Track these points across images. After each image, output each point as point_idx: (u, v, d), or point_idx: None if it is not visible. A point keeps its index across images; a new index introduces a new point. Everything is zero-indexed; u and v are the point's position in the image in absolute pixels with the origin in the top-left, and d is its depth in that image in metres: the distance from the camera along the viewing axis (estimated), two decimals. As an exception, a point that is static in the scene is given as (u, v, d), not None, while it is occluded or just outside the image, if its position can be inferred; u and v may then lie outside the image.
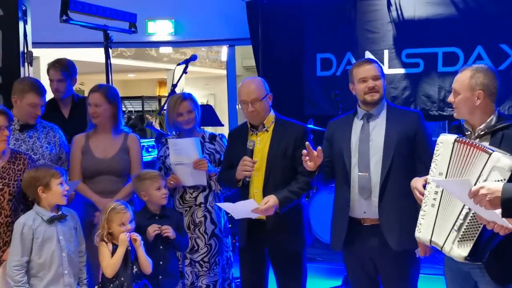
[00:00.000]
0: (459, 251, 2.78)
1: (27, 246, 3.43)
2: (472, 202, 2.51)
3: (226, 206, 3.77)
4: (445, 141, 2.91)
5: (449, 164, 2.86)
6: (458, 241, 2.78)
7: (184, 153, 4.05)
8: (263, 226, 3.75)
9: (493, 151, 2.65)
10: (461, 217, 2.77)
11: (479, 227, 2.73)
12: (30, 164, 3.68)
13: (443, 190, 2.89)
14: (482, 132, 2.95)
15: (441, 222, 2.89)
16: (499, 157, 2.62)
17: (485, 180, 2.62)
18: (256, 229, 3.77)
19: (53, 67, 4.77)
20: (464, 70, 3.04)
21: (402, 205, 3.34)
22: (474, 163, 2.72)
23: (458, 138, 2.85)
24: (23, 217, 3.49)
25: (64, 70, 4.75)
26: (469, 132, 3.02)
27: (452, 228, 2.80)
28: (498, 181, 2.57)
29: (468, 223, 2.75)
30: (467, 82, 2.98)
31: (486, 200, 2.45)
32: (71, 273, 3.54)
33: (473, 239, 2.75)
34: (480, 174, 2.67)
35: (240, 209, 3.68)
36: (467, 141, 2.81)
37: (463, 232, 2.76)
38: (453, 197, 2.82)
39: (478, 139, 2.93)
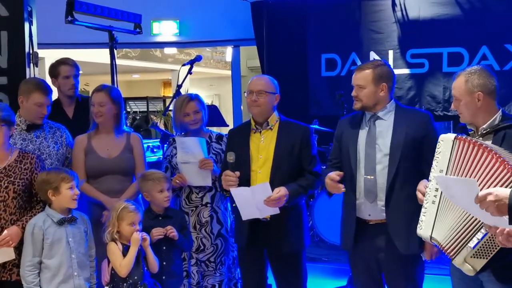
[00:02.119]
0: (471, 267, 2.78)
1: (38, 246, 3.47)
2: (473, 204, 2.49)
3: (240, 191, 3.65)
4: (446, 139, 2.94)
5: (449, 161, 2.88)
6: (471, 257, 2.77)
7: (190, 152, 4.07)
8: (263, 226, 3.75)
9: None
10: (479, 236, 2.74)
11: (496, 248, 2.71)
12: (37, 163, 3.70)
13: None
14: (485, 131, 2.96)
15: (441, 219, 2.90)
16: None
17: None
18: (256, 229, 3.77)
19: (65, 64, 4.78)
20: (459, 76, 3.07)
21: (409, 208, 3.31)
22: (491, 172, 2.63)
23: (457, 136, 2.88)
24: (34, 218, 3.53)
25: (75, 65, 4.79)
26: (473, 131, 3.03)
27: (467, 243, 2.78)
28: None
29: (485, 242, 2.73)
30: (463, 87, 3.01)
31: (494, 207, 2.43)
32: (81, 276, 3.55)
33: (487, 258, 2.74)
34: None
35: (252, 200, 3.61)
36: (467, 139, 2.82)
37: (478, 249, 2.75)
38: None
39: (481, 138, 2.93)
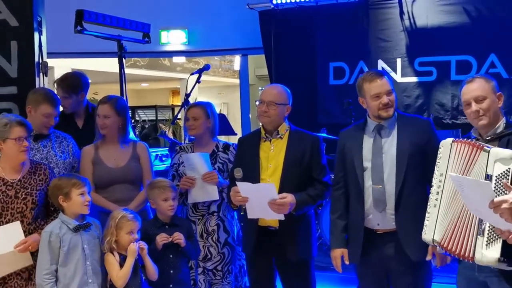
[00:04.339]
0: (490, 253, 2.72)
1: (55, 254, 3.45)
2: (485, 207, 2.48)
3: (245, 186, 3.62)
4: (445, 144, 3.01)
5: (447, 163, 2.94)
6: (486, 244, 2.73)
7: (195, 167, 4.07)
8: (272, 235, 3.75)
9: (490, 148, 2.75)
10: (482, 227, 2.74)
11: None
12: (51, 174, 3.72)
13: (443, 190, 2.94)
14: (489, 137, 2.98)
15: (441, 220, 2.93)
16: (498, 151, 2.73)
17: (491, 174, 2.68)
18: (265, 238, 3.77)
19: (58, 85, 4.79)
20: (476, 79, 3.09)
21: (418, 215, 3.28)
22: (476, 161, 2.77)
23: (455, 139, 2.95)
24: (50, 226, 3.52)
25: (68, 88, 4.72)
26: (475, 138, 3.05)
27: (477, 235, 2.77)
28: (505, 171, 2.64)
29: (490, 226, 2.72)
30: (487, 87, 3.04)
31: (509, 214, 2.43)
32: (95, 282, 3.54)
33: (499, 237, 2.69)
34: (486, 169, 2.72)
35: (257, 200, 3.60)
36: (464, 140, 2.88)
37: (488, 233, 2.73)
38: (453, 196, 2.87)
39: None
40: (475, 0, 6.85)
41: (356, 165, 3.47)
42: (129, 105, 5.71)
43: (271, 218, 3.66)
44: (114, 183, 4.13)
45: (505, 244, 2.67)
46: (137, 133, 13.41)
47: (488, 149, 2.74)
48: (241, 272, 4.29)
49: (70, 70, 11.71)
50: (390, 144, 3.43)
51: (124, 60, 5.46)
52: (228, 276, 4.18)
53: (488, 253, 2.72)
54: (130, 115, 11.50)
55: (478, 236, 2.76)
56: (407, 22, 7.17)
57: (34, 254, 3.56)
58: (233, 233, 4.24)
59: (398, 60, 7.22)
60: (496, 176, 2.68)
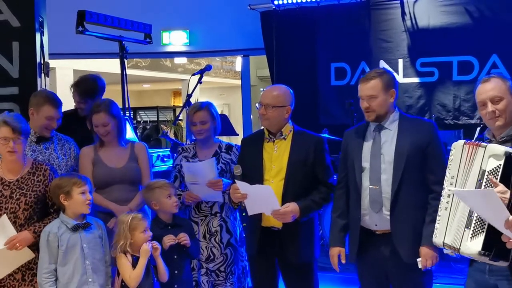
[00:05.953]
0: (473, 245, 2.72)
1: (54, 253, 3.46)
2: (495, 216, 2.47)
3: (244, 187, 3.62)
4: (457, 146, 2.99)
5: (459, 165, 2.92)
6: (471, 237, 2.74)
7: (200, 175, 4.04)
8: (275, 236, 3.74)
9: (488, 144, 2.80)
10: (470, 213, 2.76)
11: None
12: (51, 175, 3.71)
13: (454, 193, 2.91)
14: (502, 139, 2.96)
15: (452, 223, 2.91)
16: (493, 147, 2.76)
17: (485, 169, 2.70)
18: (268, 238, 3.76)
19: (74, 90, 4.81)
20: (492, 79, 3.03)
21: (413, 217, 3.31)
22: (475, 158, 2.81)
23: (466, 141, 2.93)
24: (49, 225, 3.53)
25: (84, 93, 4.75)
26: (489, 140, 3.03)
27: (465, 227, 2.78)
28: (496, 167, 2.66)
29: (476, 217, 2.72)
30: (504, 87, 2.99)
31: None
32: (97, 282, 3.54)
33: (483, 231, 2.69)
34: (481, 164, 2.75)
35: (256, 198, 3.60)
36: (475, 143, 2.87)
37: (474, 226, 2.73)
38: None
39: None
40: (477, 0, 6.85)
41: (356, 165, 3.48)
42: (130, 106, 5.72)
43: (270, 213, 3.65)
44: (114, 183, 4.13)
45: (487, 238, 2.66)
46: (138, 134, 13.42)
47: (486, 145, 2.77)
48: (244, 273, 4.28)
49: (71, 71, 11.81)
50: (389, 145, 3.42)
51: (125, 61, 5.47)
52: (231, 277, 4.17)
53: (471, 245, 2.72)
54: (132, 116, 11.52)
55: (466, 229, 2.77)
56: (408, 23, 7.17)
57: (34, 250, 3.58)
58: (236, 234, 4.23)
59: (400, 61, 7.22)
60: (488, 172, 2.70)
